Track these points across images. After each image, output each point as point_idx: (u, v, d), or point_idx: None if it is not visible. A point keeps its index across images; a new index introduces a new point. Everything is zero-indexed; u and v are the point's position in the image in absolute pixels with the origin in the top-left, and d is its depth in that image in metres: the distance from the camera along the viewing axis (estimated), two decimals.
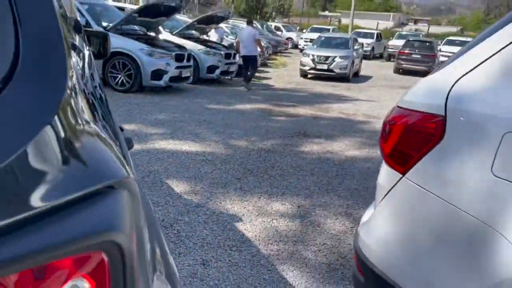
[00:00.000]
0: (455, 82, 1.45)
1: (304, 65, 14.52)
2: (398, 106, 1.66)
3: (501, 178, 1.30)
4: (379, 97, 11.41)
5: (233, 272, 2.70)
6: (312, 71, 14.41)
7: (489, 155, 1.32)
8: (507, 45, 1.40)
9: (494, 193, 1.33)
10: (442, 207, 1.41)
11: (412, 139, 1.54)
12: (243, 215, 3.55)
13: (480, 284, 1.33)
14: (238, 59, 11.72)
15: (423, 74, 18.24)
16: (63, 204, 0.51)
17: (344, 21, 47.02)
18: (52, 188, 0.51)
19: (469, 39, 26.98)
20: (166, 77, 9.02)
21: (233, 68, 12.01)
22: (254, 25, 11.82)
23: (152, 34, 10.34)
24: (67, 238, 0.49)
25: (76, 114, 0.60)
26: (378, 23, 44.20)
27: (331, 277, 2.75)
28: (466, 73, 1.45)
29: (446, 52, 22.02)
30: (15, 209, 0.46)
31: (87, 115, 0.64)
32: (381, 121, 6.29)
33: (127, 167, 0.66)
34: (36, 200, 0.48)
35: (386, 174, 1.65)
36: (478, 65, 1.44)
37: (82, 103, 0.63)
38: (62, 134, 0.55)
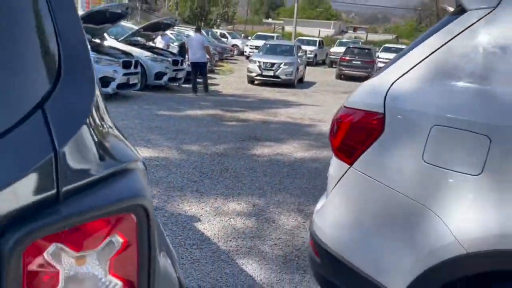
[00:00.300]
0: (392, 84, 1.69)
1: (251, 72, 14.82)
2: (345, 106, 1.89)
3: (430, 164, 1.56)
4: (323, 101, 11.91)
5: (196, 268, 2.83)
6: (259, 78, 14.73)
7: (420, 145, 1.58)
8: (431, 53, 1.66)
9: (425, 177, 1.58)
10: (384, 191, 1.65)
11: (357, 134, 1.77)
12: (201, 215, 3.68)
13: (417, 254, 1.58)
14: (187, 63, 11.79)
15: (363, 79, 19.12)
16: (104, 177, 0.66)
17: (288, 28, 48.22)
18: (94, 166, 0.66)
19: (403, 46, 28.62)
20: (113, 84, 8.93)
21: (181, 74, 12.05)
22: (202, 32, 11.96)
23: (97, 41, 10.18)
24: (110, 200, 0.64)
25: (98, 110, 0.74)
26: (320, 30, 45.71)
27: (287, 267, 2.96)
28: (400, 77, 1.70)
29: (383, 58, 23.26)
30: (73, 180, 0.61)
31: (102, 109, 0.78)
32: (326, 124, 6.63)
33: (136, 151, 0.81)
34: (85, 174, 0.63)
35: (336, 166, 1.88)
36: (409, 70, 1.69)
37: (99, 99, 0.77)
38: (93, 127, 0.69)
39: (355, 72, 18.98)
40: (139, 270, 0.69)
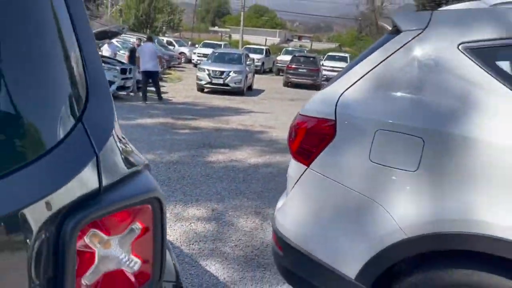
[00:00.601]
0: (341, 94, 1.94)
1: (201, 80, 14.92)
2: (300, 114, 2.11)
3: (375, 163, 1.81)
4: (272, 109, 12.26)
5: None
6: (208, 86, 14.87)
7: (367, 147, 1.82)
8: (374, 67, 1.93)
9: (372, 174, 1.83)
10: (338, 188, 1.89)
11: (312, 139, 2.00)
12: None
13: (368, 241, 1.82)
14: (138, 71, 11.73)
15: (309, 86, 19.70)
16: (126, 176, 0.82)
17: (235, 36, 48.68)
18: (119, 168, 0.82)
19: (346, 54, 29.87)
20: None
21: (130, 83, 11.95)
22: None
23: None
24: (133, 194, 0.80)
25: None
26: (266, 39, 46.54)
27: (248, 266, 3.14)
28: (348, 88, 1.95)
29: (327, 66, 24.13)
30: (108, 178, 0.77)
31: (118, 124, 0.94)
32: (276, 131, 6.91)
33: (142, 156, 0.97)
34: (115, 174, 0.79)
35: (294, 167, 2.09)
36: (356, 81, 1.95)
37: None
38: (115, 138, 0.85)
39: (301, 80, 19.60)
40: (154, 250, 0.86)
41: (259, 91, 16.84)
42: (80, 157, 0.73)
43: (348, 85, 1.95)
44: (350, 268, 1.86)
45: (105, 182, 0.76)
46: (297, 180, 2.04)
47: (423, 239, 1.71)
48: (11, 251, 0.67)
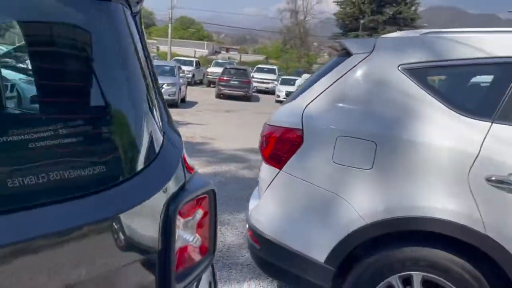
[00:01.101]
0: (306, 106, 2.29)
1: None
2: (268, 124, 2.43)
3: (338, 164, 2.17)
4: (209, 120, 12.49)
5: None
6: None
7: (330, 151, 2.18)
8: (331, 84, 2.30)
9: (335, 173, 2.19)
10: (307, 186, 2.22)
11: (282, 146, 2.33)
12: None
13: (334, 230, 2.17)
14: None
15: (241, 98, 20.02)
16: (193, 174, 1.07)
17: (162, 48, 48.19)
18: (189, 167, 1.07)
19: (274, 66, 30.94)
20: None
21: None
22: None
23: None
24: (200, 187, 1.06)
25: None
26: (195, 51, 46.64)
27: (215, 266, 3.37)
28: (311, 101, 2.31)
29: (258, 78, 24.85)
30: (188, 174, 1.02)
31: None
32: (217, 142, 7.19)
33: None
34: (188, 171, 1.05)
35: (267, 171, 2.40)
36: (317, 96, 2.31)
37: None
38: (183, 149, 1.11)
39: (233, 92, 20.05)
40: (209, 230, 1.12)
41: (192, 103, 16.98)
42: (174, 157, 0.98)
43: (311, 99, 2.31)
44: (320, 254, 2.20)
45: (186, 178, 1.02)
46: (270, 182, 2.35)
47: (379, 224, 2.09)
48: (148, 230, 0.91)
